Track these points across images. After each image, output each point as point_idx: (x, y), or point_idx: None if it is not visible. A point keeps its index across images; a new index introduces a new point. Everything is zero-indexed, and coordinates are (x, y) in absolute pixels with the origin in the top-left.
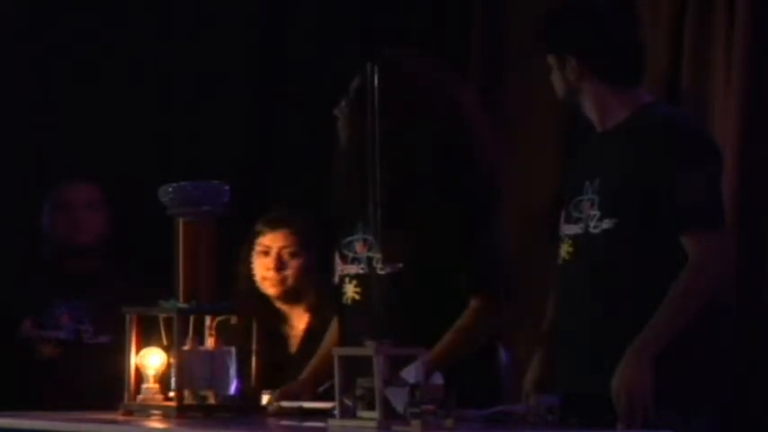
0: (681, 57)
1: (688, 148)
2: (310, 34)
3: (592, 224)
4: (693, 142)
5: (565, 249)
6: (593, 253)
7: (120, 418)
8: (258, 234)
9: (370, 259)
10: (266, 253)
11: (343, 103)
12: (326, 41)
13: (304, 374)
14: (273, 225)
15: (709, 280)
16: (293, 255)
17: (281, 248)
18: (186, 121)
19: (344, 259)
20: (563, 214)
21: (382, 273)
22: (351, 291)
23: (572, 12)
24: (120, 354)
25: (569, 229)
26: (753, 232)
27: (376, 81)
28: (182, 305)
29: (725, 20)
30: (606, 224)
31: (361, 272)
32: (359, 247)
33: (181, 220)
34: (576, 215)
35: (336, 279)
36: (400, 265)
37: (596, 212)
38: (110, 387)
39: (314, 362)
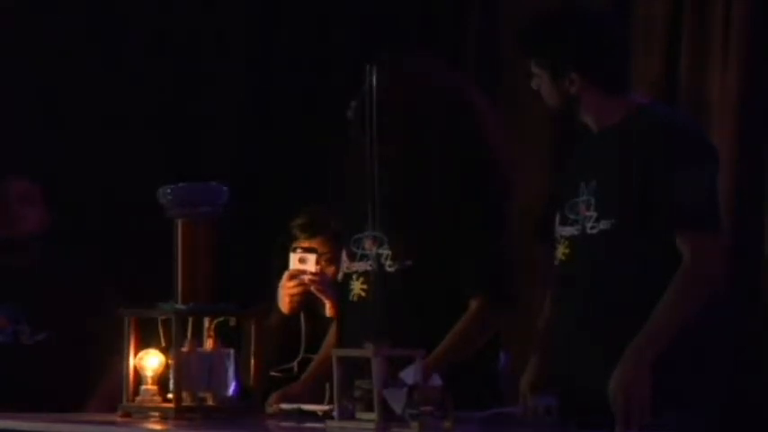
0: (677, 57)
1: (684, 148)
2: (310, 34)
3: (588, 225)
4: (690, 143)
5: (561, 251)
6: (590, 254)
7: (119, 419)
8: (294, 239)
9: (379, 256)
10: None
11: (354, 104)
12: (326, 41)
13: (304, 376)
14: (310, 232)
15: (704, 281)
16: (331, 261)
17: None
18: (185, 122)
19: (352, 256)
20: (558, 216)
21: (391, 270)
22: (357, 288)
23: (568, 27)
24: (59, 350)
25: (565, 231)
26: (749, 232)
27: (375, 81)
28: (180, 307)
29: (722, 19)
30: (603, 225)
31: (370, 269)
32: (368, 243)
33: (179, 222)
34: (571, 217)
35: (340, 276)
36: (409, 262)
37: (593, 213)
38: (55, 386)
39: (314, 364)
